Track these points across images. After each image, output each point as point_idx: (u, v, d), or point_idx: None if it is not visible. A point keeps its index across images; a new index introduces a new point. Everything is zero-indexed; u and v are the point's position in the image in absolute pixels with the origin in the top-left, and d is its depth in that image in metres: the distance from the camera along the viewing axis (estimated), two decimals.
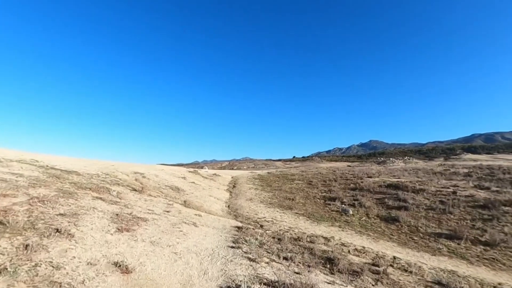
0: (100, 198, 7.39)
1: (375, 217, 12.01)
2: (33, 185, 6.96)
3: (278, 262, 5.02)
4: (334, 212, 12.86)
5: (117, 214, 6.08)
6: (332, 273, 5.19)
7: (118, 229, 5.14)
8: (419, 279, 5.85)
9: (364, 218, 12.01)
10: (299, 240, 7.61)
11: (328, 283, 4.60)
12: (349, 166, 43.51)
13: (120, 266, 3.69)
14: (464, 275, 6.61)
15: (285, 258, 5.33)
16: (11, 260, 3.24)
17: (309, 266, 5.17)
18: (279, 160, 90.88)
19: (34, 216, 4.75)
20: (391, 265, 6.54)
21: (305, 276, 4.59)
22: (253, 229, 8.19)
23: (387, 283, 5.22)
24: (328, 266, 5.53)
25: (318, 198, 15.74)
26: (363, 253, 7.47)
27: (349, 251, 7.44)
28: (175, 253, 4.69)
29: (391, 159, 53.57)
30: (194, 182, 17.69)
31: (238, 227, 7.81)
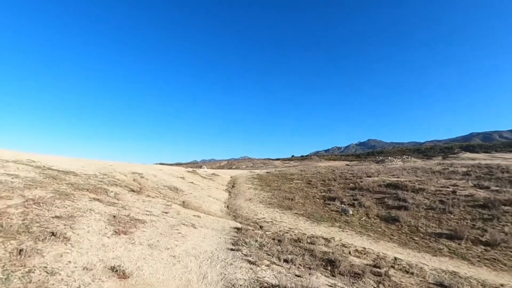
0: (98, 200, 7.27)
1: (375, 217, 11.96)
2: (29, 187, 6.83)
3: (278, 265, 4.93)
4: (334, 212, 12.80)
5: (114, 216, 5.97)
6: (333, 276, 5.12)
7: (115, 232, 5.03)
8: (421, 280, 5.79)
9: (364, 218, 11.95)
10: (299, 241, 7.53)
11: (330, 286, 4.52)
12: (348, 165, 43.49)
13: (117, 271, 3.59)
14: (465, 276, 6.56)
15: (286, 261, 5.25)
16: (3, 266, 3.13)
17: (310, 269, 5.09)
18: (278, 159, 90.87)
19: (29, 219, 4.64)
20: (392, 267, 6.47)
21: (306, 279, 4.52)
22: (253, 230, 8.10)
23: (389, 286, 5.15)
24: (329, 268, 5.45)
25: (318, 198, 15.67)
26: (364, 254, 7.40)
27: (349, 252, 7.37)
28: (173, 256, 4.59)
29: (389, 158, 53.63)
30: (192, 182, 17.58)
31: (238, 228, 7.72)
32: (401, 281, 5.52)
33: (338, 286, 4.60)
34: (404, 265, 6.71)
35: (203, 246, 5.49)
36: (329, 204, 14.09)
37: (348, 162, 59.68)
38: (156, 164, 37.14)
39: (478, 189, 14.64)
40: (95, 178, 10.64)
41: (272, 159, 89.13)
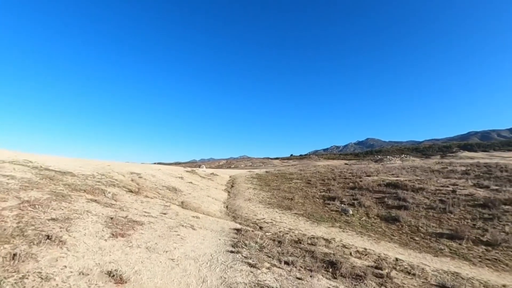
0: (95, 201, 7.16)
1: (375, 217, 11.90)
2: (25, 188, 6.71)
3: (279, 267, 4.85)
4: (333, 212, 12.73)
5: (111, 218, 5.87)
6: (334, 278, 5.03)
7: (113, 235, 4.93)
8: (423, 282, 5.72)
9: (364, 218, 11.89)
10: (300, 243, 7.45)
11: None
12: (347, 164, 43.47)
13: (114, 275, 3.49)
14: (467, 277, 6.50)
15: (286, 263, 5.16)
16: None
17: (311, 271, 5.01)
18: (277, 158, 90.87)
19: (24, 221, 4.53)
20: (394, 268, 6.40)
21: (308, 281, 4.44)
22: (253, 231, 8.01)
23: None
24: (331, 270, 5.37)
25: (317, 198, 15.60)
26: (365, 255, 7.33)
27: (351, 253, 7.30)
28: (172, 259, 4.50)
29: (388, 157, 53.63)
30: (191, 182, 17.47)
31: (237, 229, 7.63)
32: (403, 283, 5.45)
33: None
34: (405, 266, 6.65)
35: (202, 248, 5.40)
36: (329, 204, 14.02)
37: (347, 161, 59.75)
38: (155, 163, 37.00)
39: (478, 188, 14.61)
40: (93, 179, 10.51)
41: (271, 158, 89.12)
